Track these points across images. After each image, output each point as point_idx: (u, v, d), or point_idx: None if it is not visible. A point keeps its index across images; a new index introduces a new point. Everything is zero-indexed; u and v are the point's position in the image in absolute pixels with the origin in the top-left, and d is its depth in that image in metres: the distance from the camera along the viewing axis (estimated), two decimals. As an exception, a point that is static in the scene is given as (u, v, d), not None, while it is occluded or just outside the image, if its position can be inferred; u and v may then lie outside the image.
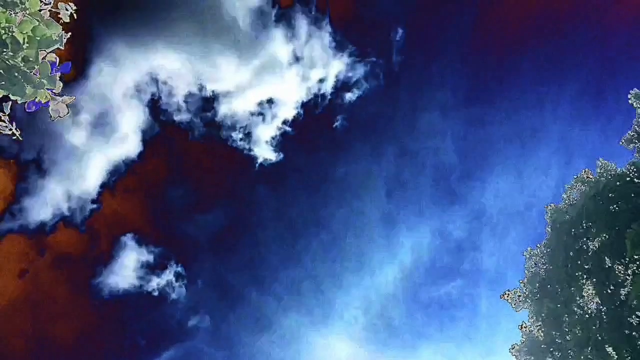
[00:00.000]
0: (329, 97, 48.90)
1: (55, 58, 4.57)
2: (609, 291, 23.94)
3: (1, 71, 4.30)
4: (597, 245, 25.19)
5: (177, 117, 46.43)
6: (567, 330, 25.16)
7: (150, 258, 45.34)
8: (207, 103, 47.27)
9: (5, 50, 4.24)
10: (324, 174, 53.81)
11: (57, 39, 4.49)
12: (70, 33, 4.59)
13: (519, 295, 28.46)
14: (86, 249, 47.10)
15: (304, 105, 48.77)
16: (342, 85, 48.94)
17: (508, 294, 28.96)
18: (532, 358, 26.61)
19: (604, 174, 27.07)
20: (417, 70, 52.83)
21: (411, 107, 52.54)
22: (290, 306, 50.42)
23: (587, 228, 25.70)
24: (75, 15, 4.62)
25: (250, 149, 48.07)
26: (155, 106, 46.36)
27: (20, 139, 4.48)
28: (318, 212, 53.88)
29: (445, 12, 51.18)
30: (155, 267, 45.62)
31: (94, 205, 45.14)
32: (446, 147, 52.88)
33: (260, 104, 48.05)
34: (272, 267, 52.93)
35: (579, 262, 25.55)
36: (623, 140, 27.27)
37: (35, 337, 44.60)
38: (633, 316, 22.34)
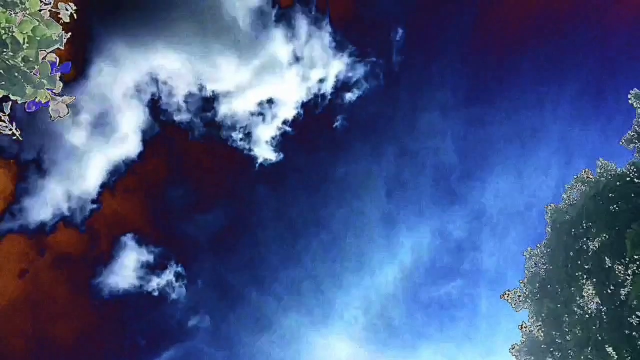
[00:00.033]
0: (329, 97, 48.94)
1: (55, 58, 4.57)
2: (609, 291, 23.94)
3: (1, 71, 4.30)
4: (597, 245, 25.19)
5: (177, 117, 46.47)
6: (567, 330, 25.16)
7: (150, 258, 45.38)
8: (207, 103, 47.32)
9: (5, 50, 4.25)
10: (323, 174, 53.85)
11: (57, 39, 4.49)
12: (70, 33, 4.59)
13: (519, 295, 28.46)
14: (86, 249, 47.14)
15: (304, 105, 48.82)
16: (342, 85, 48.99)
17: (508, 294, 28.96)
18: (532, 358, 26.61)
19: (604, 174, 27.07)
20: (417, 70, 52.88)
21: (411, 107, 52.58)
22: (290, 306, 50.46)
23: (587, 228, 25.71)
24: (75, 15, 4.62)
25: (250, 149, 48.12)
26: (155, 106, 46.41)
27: (20, 139, 4.49)
28: (318, 212, 53.93)
29: (445, 12, 51.22)
30: (155, 267, 45.67)
31: (94, 205, 45.18)
32: (446, 147, 52.92)
33: (260, 104, 48.11)
34: (272, 267, 52.99)
35: (579, 262, 25.55)
36: (623, 140, 27.27)
37: (35, 337, 44.65)
38: (633, 316, 22.34)
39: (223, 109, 47.33)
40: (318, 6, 47.66)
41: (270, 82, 48.91)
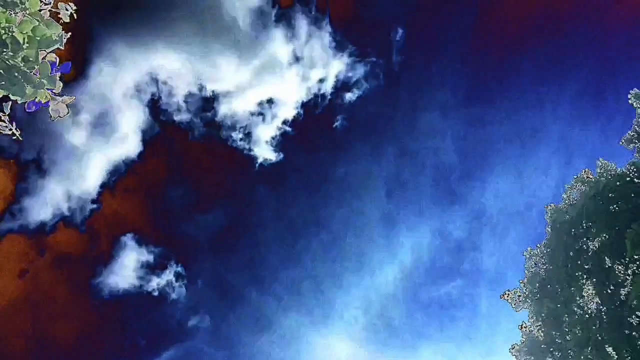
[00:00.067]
0: (329, 97, 48.94)
1: (55, 58, 4.57)
2: (609, 291, 23.94)
3: (1, 71, 4.30)
4: (597, 245, 25.19)
5: (177, 117, 46.47)
6: (567, 330, 25.16)
7: (150, 258, 45.37)
8: (207, 103, 47.30)
9: (5, 50, 4.25)
10: (323, 174, 53.85)
11: (57, 39, 4.49)
12: (70, 33, 4.59)
13: (519, 295, 28.46)
14: (86, 249, 47.14)
15: (304, 105, 48.81)
16: (342, 85, 48.99)
17: (508, 294, 28.96)
18: (532, 358, 26.61)
19: (604, 174, 27.07)
20: (417, 70, 52.88)
21: (411, 107, 52.58)
22: (290, 306, 50.45)
23: (587, 228, 25.71)
24: (75, 15, 4.62)
25: (250, 149, 48.12)
26: (155, 106, 46.40)
27: (20, 139, 4.49)
28: (318, 212, 53.93)
29: (445, 12, 51.21)
30: (155, 267, 45.65)
31: (94, 205, 45.18)
32: (446, 147, 52.92)
33: (260, 104, 48.09)
34: (272, 267, 52.99)
35: (579, 262, 25.55)
36: (623, 140, 27.27)
37: (35, 337, 44.64)
38: (633, 316, 22.34)
39: (223, 109, 47.37)
40: (318, 6, 47.68)
41: (270, 82, 48.94)
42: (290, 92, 49.02)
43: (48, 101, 4.61)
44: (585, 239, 25.82)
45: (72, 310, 47.20)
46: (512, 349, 27.87)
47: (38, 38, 4.38)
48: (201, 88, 46.31)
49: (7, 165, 42.35)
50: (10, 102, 4.49)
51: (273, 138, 48.10)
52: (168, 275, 45.61)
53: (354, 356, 50.17)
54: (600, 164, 27.94)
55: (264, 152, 48.13)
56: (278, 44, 47.71)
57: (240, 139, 47.46)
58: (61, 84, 4.63)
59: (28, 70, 4.40)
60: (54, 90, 4.60)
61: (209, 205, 53.59)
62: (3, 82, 4.34)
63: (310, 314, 51.57)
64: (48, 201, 43.05)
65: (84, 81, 42.52)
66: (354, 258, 54.00)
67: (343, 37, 48.50)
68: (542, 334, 26.58)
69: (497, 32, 51.05)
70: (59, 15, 4.55)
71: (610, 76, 48.58)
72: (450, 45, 52.46)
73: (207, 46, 45.91)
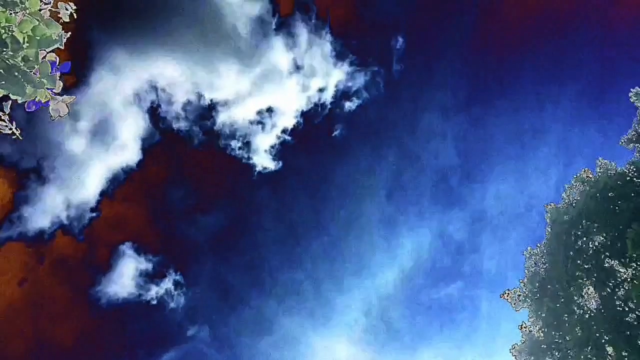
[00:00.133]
0: (329, 106, 48.83)
1: (55, 57, 4.58)
2: (609, 291, 23.94)
3: (1, 71, 4.31)
4: (597, 245, 25.19)
5: (176, 125, 46.39)
6: (567, 330, 25.15)
7: (149, 266, 45.22)
8: (207, 111, 47.22)
9: (5, 49, 4.26)
10: (323, 177, 53.90)
11: (57, 38, 4.51)
12: (70, 35, 4.60)
13: (519, 295, 28.44)
14: (85, 257, 47.01)
15: (303, 114, 48.72)
16: (342, 95, 48.87)
17: (508, 294, 28.95)
18: (532, 358, 26.59)
19: (604, 174, 27.07)
20: (418, 75, 52.88)
21: (411, 110, 52.64)
22: (291, 308, 50.46)
23: (587, 228, 25.70)
24: (75, 14, 4.63)
25: (249, 158, 48.02)
26: (154, 114, 46.33)
27: (20, 138, 4.50)
28: (318, 214, 53.93)
29: (445, 14, 51.26)
30: (154, 275, 45.48)
31: (93, 214, 45.07)
32: (446, 150, 52.96)
33: (260, 112, 47.99)
34: (273, 270, 52.95)
35: (579, 262, 25.54)
36: (623, 140, 27.28)
37: (34, 345, 44.53)
38: (633, 316, 22.34)
39: (223, 117, 47.30)
40: (318, 15, 47.59)
41: (270, 91, 48.83)
42: (290, 101, 48.94)
43: (48, 101, 4.62)
44: (585, 239, 25.82)
45: (70, 318, 47.13)
46: (512, 349, 27.86)
47: (38, 37, 4.39)
48: (201, 96, 46.26)
49: (6, 173, 42.31)
50: (10, 101, 4.50)
51: (272, 147, 48.01)
52: (167, 284, 45.49)
53: (355, 358, 50.18)
54: (600, 163, 27.94)
55: (263, 161, 48.07)
56: (278, 53, 47.60)
57: (239, 148, 47.36)
58: (61, 84, 4.64)
59: (28, 70, 4.42)
60: (54, 90, 4.61)
61: (208, 212, 53.59)
62: (3, 82, 4.35)
63: (311, 316, 51.62)
64: (47, 209, 42.98)
65: (84, 88, 42.49)
66: (354, 260, 54.05)
67: (343, 45, 48.45)
68: (542, 334, 26.56)
69: (497, 32, 51.11)
70: (59, 15, 4.57)
71: (610, 76, 48.62)
72: (450, 46, 52.54)
73: (207, 54, 45.86)
